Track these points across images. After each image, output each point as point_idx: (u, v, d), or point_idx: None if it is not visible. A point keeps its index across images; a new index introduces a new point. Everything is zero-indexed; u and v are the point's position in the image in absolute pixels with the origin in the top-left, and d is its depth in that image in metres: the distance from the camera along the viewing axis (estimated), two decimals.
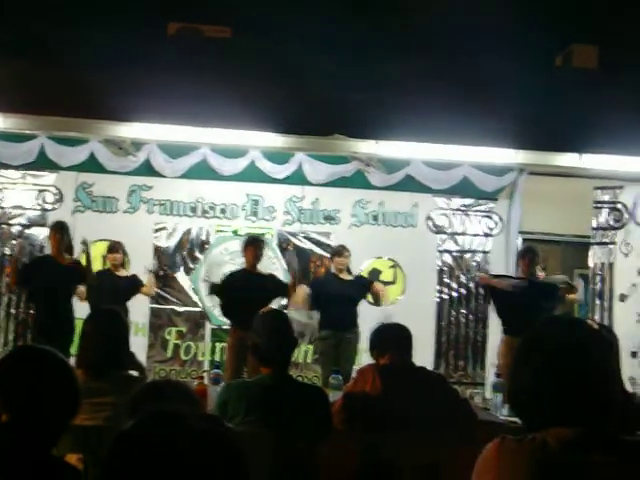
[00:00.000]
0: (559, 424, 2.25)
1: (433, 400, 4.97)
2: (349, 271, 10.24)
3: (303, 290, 10.16)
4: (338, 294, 9.84)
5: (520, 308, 9.03)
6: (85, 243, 9.57)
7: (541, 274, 10.38)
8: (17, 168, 10.73)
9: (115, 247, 10.02)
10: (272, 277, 9.99)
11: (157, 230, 11.19)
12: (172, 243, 11.22)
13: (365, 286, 10.23)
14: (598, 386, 2.29)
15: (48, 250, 9.88)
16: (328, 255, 10.82)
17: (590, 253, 11.68)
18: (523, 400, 2.34)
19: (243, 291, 9.47)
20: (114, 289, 9.63)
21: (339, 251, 10.28)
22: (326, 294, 9.92)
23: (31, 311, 10.34)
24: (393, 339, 5.37)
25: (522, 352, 2.41)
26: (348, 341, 9.88)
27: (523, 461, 2.19)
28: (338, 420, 4.87)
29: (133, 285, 9.95)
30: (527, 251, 9.99)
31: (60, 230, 9.46)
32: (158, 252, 11.16)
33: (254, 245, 9.84)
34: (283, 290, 9.90)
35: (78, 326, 9.52)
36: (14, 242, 10.83)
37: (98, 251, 10.57)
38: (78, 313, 9.26)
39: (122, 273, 9.97)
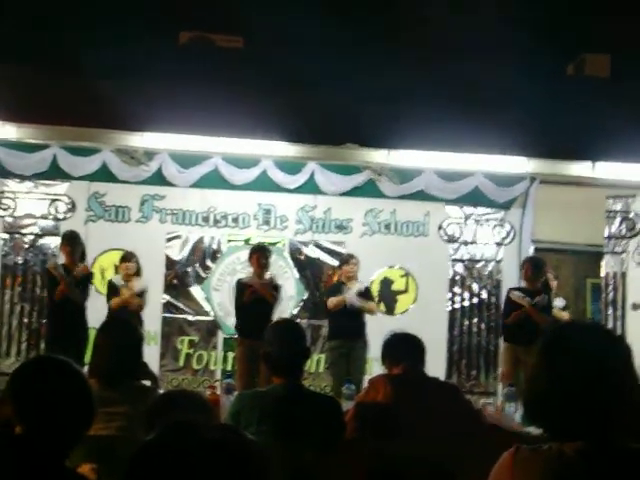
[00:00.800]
0: (581, 431, 2.23)
1: (446, 411, 4.95)
2: (358, 280, 10.25)
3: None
4: (347, 303, 9.86)
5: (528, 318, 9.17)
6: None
7: (553, 282, 10.37)
8: (30, 178, 10.76)
9: (128, 256, 10.02)
10: (277, 287, 10.01)
11: (169, 239, 11.20)
12: (184, 253, 11.22)
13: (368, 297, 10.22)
14: (624, 394, 2.28)
15: (61, 260, 9.90)
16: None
17: (602, 262, 11.65)
18: (545, 406, 2.31)
19: (251, 301, 9.52)
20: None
21: (347, 259, 10.29)
22: None
23: (43, 320, 10.36)
24: (406, 349, 5.35)
25: (544, 357, 2.38)
26: (358, 351, 9.87)
27: (538, 470, 2.18)
28: (349, 429, 4.86)
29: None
30: (527, 260, 10.03)
31: (71, 240, 9.50)
32: (170, 262, 11.17)
33: (258, 253, 9.87)
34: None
35: (92, 335, 9.65)
36: (27, 252, 10.87)
37: (111, 260, 10.60)
38: (92, 322, 9.29)
39: (135, 283, 9.94)
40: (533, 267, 9.76)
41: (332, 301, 9.97)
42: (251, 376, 9.30)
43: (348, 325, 9.82)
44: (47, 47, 10.32)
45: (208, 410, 3.14)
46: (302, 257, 11.41)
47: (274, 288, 9.98)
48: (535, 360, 2.41)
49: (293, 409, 4.48)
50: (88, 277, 9.72)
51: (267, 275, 10.00)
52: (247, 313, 9.67)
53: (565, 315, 10.50)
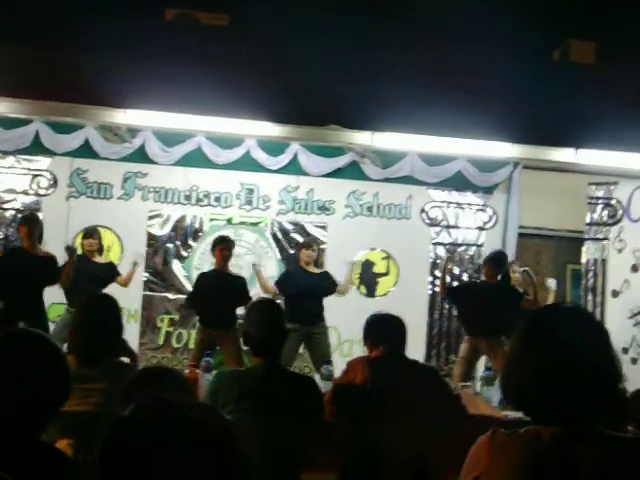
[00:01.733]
0: (559, 416, 2.23)
1: (424, 393, 4.96)
2: (317, 265, 10.23)
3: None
4: (304, 288, 9.80)
5: (484, 310, 9.25)
6: (70, 249, 9.41)
7: (516, 275, 10.36)
8: (12, 153, 10.71)
9: (90, 232, 9.95)
10: (239, 278, 9.94)
11: (151, 217, 11.17)
12: (166, 231, 11.20)
13: (332, 282, 10.16)
14: (603, 380, 2.28)
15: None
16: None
17: (583, 249, 11.69)
18: (524, 390, 2.31)
19: (211, 292, 9.47)
20: (91, 275, 9.51)
21: (307, 244, 10.26)
22: (292, 287, 9.89)
23: None
24: (387, 332, 5.36)
25: (524, 340, 2.37)
26: (317, 337, 9.83)
27: (515, 454, 2.19)
28: (327, 410, 4.87)
29: (109, 272, 9.84)
30: (490, 259, 9.99)
31: (30, 222, 9.32)
32: (152, 239, 11.15)
33: (222, 245, 9.79)
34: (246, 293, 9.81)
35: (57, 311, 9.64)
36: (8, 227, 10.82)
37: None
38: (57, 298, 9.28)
39: (99, 259, 9.89)
40: (495, 267, 9.73)
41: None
42: None
43: (305, 309, 9.77)
44: (30, 22, 10.24)
45: (186, 388, 3.14)
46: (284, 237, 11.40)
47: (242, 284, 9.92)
48: (514, 343, 2.41)
49: (272, 388, 4.48)
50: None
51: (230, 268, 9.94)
52: (212, 306, 9.54)
53: (550, 296, 10.51)
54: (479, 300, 9.39)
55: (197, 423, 1.71)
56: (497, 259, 9.91)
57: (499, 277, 9.75)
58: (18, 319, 8.29)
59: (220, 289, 9.47)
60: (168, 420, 1.70)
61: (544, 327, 2.36)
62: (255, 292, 10.03)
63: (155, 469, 1.65)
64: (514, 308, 9.26)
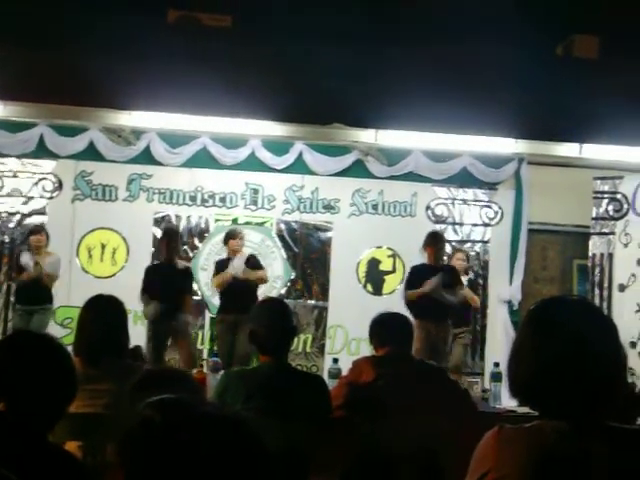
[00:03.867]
0: (566, 410, 2.23)
1: (432, 391, 4.96)
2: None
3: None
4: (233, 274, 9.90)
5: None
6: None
7: (459, 262, 10.37)
8: (17, 156, 10.73)
9: (37, 230, 10.07)
10: (186, 270, 9.94)
11: (157, 219, 11.17)
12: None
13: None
14: (611, 373, 2.28)
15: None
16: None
17: (589, 243, 11.67)
18: (531, 384, 2.30)
19: (157, 284, 9.44)
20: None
21: (233, 234, 10.23)
22: None
23: None
24: (393, 331, 5.34)
25: (531, 334, 2.36)
26: (245, 325, 9.82)
27: (521, 449, 2.18)
28: (335, 408, 4.87)
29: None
30: (436, 239, 9.96)
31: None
32: (157, 240, 11.15)
33: (166, 238, 9.80)
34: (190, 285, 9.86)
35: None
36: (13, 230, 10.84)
37: (97, 239, 10.61)
38: (78, 301, 9.29)
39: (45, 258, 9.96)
40: (435, 245, 9.76)
41: (217, 279, 9.98)
42: (160, 356, 9.43)
43: (236, 299, 9.70)
44: (33, 25, 10.25)
45: (194, 388, 3.14)
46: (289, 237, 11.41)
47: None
48: (520, 335, 2.40)
49: (279, 387, 4.48)
50: None
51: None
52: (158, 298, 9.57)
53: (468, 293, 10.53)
54: None
55: (215, 420, 1.71)
56: (437, 237, 10.00)
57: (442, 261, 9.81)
58: None
59: (163, 282, 9.45)
60: (188, 418, 1.70)
61: (550, 320, 2.35)
62: (260, 292, 10.05)
63: (175, 468, 1.65)
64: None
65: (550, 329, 2.32)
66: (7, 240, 10.82)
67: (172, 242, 9.74)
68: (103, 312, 4.80)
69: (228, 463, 1.66)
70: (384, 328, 5.36)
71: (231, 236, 10.15)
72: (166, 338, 9.50)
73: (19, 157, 10.73)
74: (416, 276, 9.65)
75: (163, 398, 1.78)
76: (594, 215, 11.58)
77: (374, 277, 11.55)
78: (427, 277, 9.46)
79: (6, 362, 2.71)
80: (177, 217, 11.21)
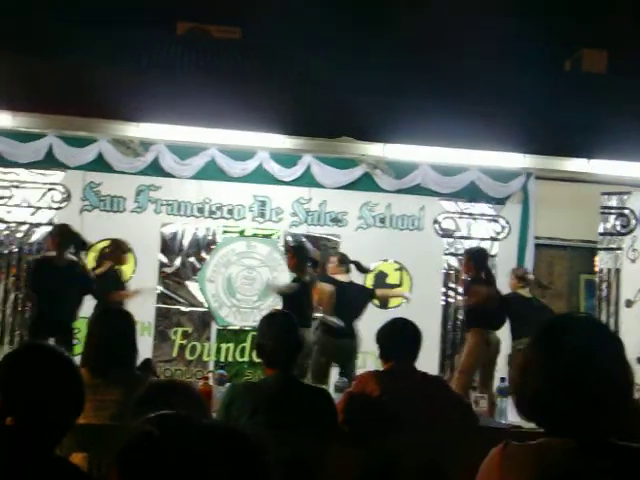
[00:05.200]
0: (573, 427, 2.23)
1: (434, 404, 4.95)
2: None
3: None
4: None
5: None
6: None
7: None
8: (25, 167, 10.75)
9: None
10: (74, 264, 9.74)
11: (164, 230, 11.19)
12: (179, 243, 11.21)
13: None
14: (619, 391, 2.28)
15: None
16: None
17: (597, 258, 11.66)
18: (539, 401, 2.30)
19: (49, 282, 9.36)
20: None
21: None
22: None
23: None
24: (398, 345, 5.31)
25: (540, 351, 2.35)
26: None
27: (527, 466, 2.18)
28: (340, 421, 4.87)
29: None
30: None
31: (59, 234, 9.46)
32: (165, 252, 11.16)
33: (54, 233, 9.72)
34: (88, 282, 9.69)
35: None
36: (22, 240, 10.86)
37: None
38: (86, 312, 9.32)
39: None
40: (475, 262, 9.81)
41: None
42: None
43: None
44: (44, 36, 10.30)
45: (196, 401, 3.14)
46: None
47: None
48: (527, 352, 2.40)
49: (285, 401, 4.49)
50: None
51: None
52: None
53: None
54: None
55: (214, 435, 1.71)
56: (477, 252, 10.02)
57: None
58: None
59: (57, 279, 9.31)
60: (185, 433, 1.70)
61: (558, 337, 2.35)
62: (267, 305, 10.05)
63: None
64: None
65: (557, 347, 2.32)
66: (15, 250, 10.83)
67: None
68: (111, 323, 4.82)
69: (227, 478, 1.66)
70: (388, 341, 5.34)
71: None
72: None
73: (28, 167, 10.75)
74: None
75: (163, 413, 1.78)
76: (601, 230, 11.56)
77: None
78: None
79: (15, 376, 2.71)
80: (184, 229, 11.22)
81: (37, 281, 9.39)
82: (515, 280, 10.12)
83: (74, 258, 9.41)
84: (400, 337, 5.32)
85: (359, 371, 6.53)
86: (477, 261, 9.74)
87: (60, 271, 9.15)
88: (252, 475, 1.70)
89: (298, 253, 9.73)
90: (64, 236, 9.40)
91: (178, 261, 11.20)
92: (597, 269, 11.66)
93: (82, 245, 9.58)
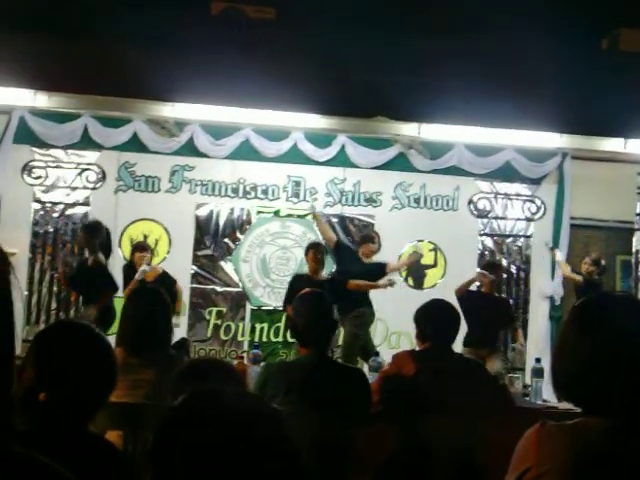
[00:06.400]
0: (613, 408, 2.20)
1: (470, 386, 4.93)
2: None
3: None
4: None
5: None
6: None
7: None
8: (62, 147, 10.80)
9: (143, 246, 10.00)
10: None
11: (199, 210, 11.21)
12: (213, 223, 11.23)
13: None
14: None
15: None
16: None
17: (633, 239, 11.59)
18: (576, 379, 2.28)
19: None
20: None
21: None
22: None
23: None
24: (436, 325, 5.28)
25: (582, 331, 2.33)
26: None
27: (563, 446, 2.16)
28: (374, 402, 4.86)
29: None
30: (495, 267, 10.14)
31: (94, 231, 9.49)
32: (200, 232, 11.19)
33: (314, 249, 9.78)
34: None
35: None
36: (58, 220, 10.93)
37: (140, 230, 10.68)
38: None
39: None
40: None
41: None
42: None
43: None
44: (79, 16, 10.32)
45: (235, 379, 3.14)
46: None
47: None
48: (565, 331, 2.38)
49: (320, 380, 4.48)
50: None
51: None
52: None
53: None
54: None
55: (249, 414, 1.71)
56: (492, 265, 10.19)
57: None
58: None
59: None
60: (220, 410, 1.70)
61: (596, 315, 2.33)
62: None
63: (207, 460, 1.65)
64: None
65: (595, 326, 2.30)
66: (51, 230, 10.90)
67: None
68: (146, 303, 4.83)
69: (256, 458, 1.66)
70: (427, 322, 5.31)
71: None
72: None
73: (64, 148, 10.81)
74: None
75: (200, 389, 1.78)
76: (638, 211, 11.48)
77: (415, 271, 11.51)
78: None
79: (48, 352, 2.72)
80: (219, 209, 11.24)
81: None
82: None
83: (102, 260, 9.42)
84: (438, 318, 5.28)
85: (393, 351, 6.50)
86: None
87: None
88: (282, 452, 1.70)
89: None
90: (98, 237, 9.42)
91: (213, 241, 11.22)
92: (634, 250, 11.58)
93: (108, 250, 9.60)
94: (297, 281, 9.49)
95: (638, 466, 2.13)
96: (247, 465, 1.65)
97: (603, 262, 10.55)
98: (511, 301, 11.18)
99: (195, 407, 1.72)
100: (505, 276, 11.42)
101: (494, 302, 9.89)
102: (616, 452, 2.14)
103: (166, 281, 9.21)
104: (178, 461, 1.66)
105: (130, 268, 9.68)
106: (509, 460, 2.30)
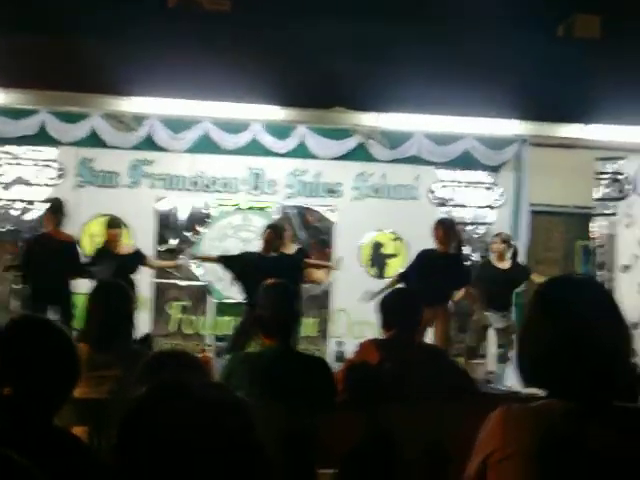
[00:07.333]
0: (573, 389, 2.22)
1: (433, 373, 4.96)
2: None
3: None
4: None
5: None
6: None
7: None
8: (18, 143, 10.71)
9: (116, 222, 9.97)
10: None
11: (159, 204, 11.17)
12: (174, 218, 11.20)
13: None
14: (617, 356, 2.27)
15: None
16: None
17: (592, 224, 11.67)
18: (539, 363, 2.30)
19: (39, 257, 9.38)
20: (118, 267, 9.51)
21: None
22: None
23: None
24: (399, 314, 5.32)
25: (538, 314, 2.36)
26: None
27: (528, 427, 2.18)
28: (339, 391, 4.87)
29: (136, 261, 9.87)
30: (441, 224, 9.87)
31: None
32: (160, 226, 11.14)
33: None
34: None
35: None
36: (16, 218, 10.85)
37: (100, 226, 10.61)
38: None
39: (123, 250, 9.89)
40: (445, 229, 9.63)
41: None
42: None
43: None
44: (32, 10, 10.23)
45: (200, 369, 3.14)
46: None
47: None
48: (528, 315, 2.40)
49: (284, 371, 4.49)
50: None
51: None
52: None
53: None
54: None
55: (215, 403, 1.71)
56: (447, 221, 9.92)
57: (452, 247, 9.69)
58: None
59: None
60: (185, 400, 1.70)
61: (558, 299, 2.35)
62: None
63: (172, 450, 1.65)
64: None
65: (557, 309, 2.31)
66: (12, 228, 10.81)
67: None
68: (109, 298, 4.81)
69: (223, 448, 1.66)
70: (390, 310, 5.35)
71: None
72: None
73: (21, 144, 10.72)
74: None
75: (164, 380, 1.78)
76: (597, 196, 11.57)
77: (377, 260, 11.55)
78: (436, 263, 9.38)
79: (10, 347, 2.72)
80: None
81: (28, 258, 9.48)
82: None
83: (73, 237, 9.48)
84: (402, 307, 5.32)
85: (356, 341, 6.52)
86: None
87: (52, 247, 9.23)
88: (249, 441, 1.70)
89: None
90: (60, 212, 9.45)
91: (174, 235, 11.19)
92: (593, 235, 11.67)
93: None
94: (248, 254, 9.67)
95: (602, 448, 2.15)
96: (213, 455, 1.65)
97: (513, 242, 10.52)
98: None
99: (160, 397, 1.72)
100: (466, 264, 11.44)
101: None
102: (580, 433, 2.16)
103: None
104: (143, 451, 1.66)
105: (105, 250, 9.75)
106: (472, 446, 2.32)
